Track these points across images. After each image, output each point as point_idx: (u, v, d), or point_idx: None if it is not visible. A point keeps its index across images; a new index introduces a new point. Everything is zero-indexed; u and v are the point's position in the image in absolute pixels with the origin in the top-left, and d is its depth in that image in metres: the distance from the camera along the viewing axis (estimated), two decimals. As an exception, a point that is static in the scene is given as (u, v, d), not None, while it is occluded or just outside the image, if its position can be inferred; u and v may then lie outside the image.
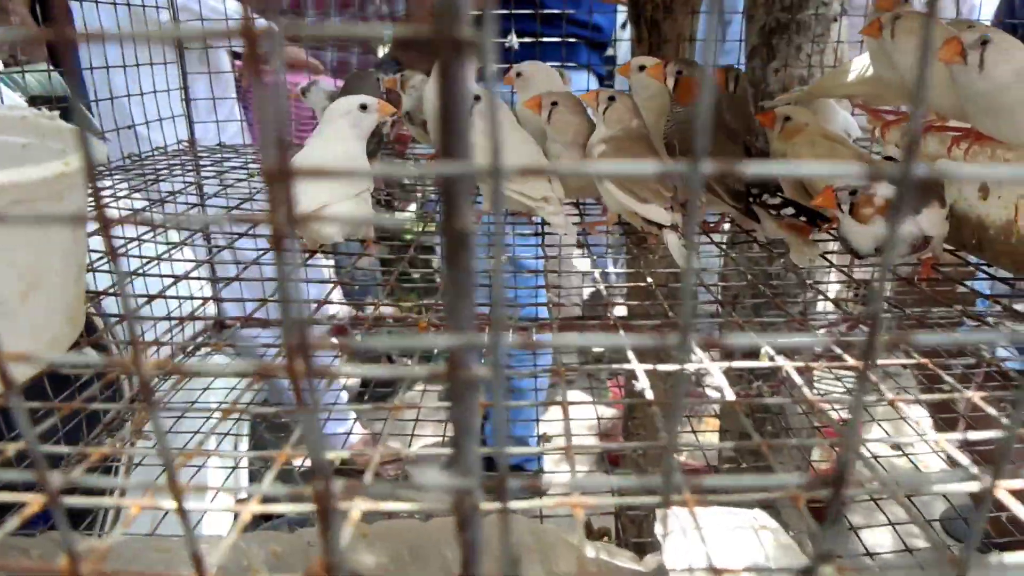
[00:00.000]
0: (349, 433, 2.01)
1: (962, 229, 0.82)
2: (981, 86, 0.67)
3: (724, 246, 0.92)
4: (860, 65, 0.94)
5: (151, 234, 0.88)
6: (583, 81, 1.66)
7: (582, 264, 2.17)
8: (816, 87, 1.02)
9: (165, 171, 1.18)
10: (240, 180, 1.12)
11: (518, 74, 1.10)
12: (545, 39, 1.41)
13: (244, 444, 1.49)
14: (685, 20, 1.29)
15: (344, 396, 2.11)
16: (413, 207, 1.72)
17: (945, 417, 1.26)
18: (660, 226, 0.75)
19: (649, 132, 0.88)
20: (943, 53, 0.67)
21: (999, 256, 0.77)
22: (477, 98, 0.91)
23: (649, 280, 0.74)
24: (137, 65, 1.23)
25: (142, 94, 1.24)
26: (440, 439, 1.48)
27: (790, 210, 0.78)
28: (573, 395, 1.88)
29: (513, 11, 1.41)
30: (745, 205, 0.78)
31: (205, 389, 1.16)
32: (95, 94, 1.22)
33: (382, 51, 2.06)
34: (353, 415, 2.07)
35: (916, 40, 0.76)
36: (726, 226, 0.97)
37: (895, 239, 0.19)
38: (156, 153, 1.30)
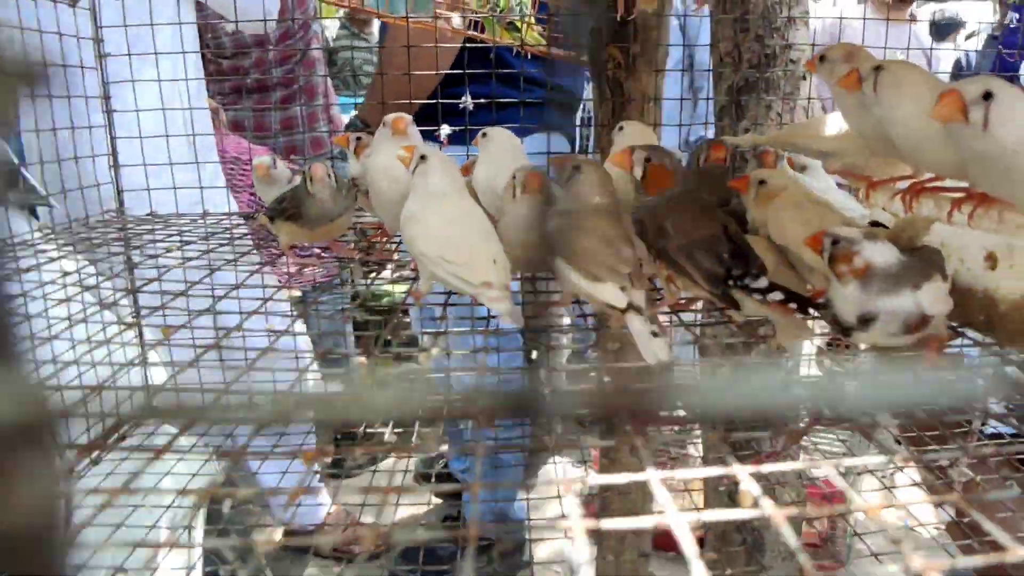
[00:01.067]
0: (320, 505, 1.88)
1: (966, 304, 0.71)
2: (986, 147, 0.58)
3: (696, 329, 0.82)
4: (834, 122, 0.86)
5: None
6: (542, 143, 1.59)
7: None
8: (780, 136, 0.93)
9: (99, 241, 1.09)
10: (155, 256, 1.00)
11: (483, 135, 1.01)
12: (504, 100, 1.33)
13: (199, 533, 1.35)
14: (649, 79, 1.22)
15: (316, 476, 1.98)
16: (388, 271, 1.62)
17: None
18: (623, 310, 0.64)
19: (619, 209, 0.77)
20: (940, 110, 0.58)
21: (1014, 336, 0.67)
22: (423, 158, 0.82)
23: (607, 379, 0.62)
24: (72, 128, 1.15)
25: (76, 158, 1.16)
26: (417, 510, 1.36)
27: (778, 295, 0.67)
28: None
29: (467, 71, 1.34)
30: (722, 290, 0.67)
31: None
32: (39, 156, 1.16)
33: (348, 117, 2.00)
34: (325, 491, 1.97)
35: (902, 93, 0.67)
36: (699, 303, 0.87)
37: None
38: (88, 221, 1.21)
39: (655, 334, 0.65)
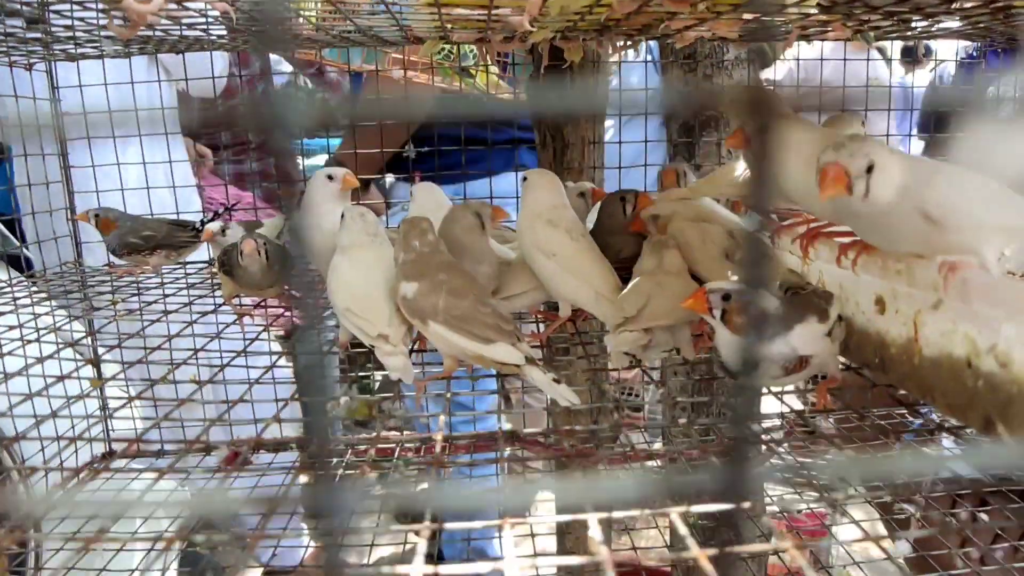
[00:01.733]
0: (300, 546, 1.87)
1: (863, 346, 0.73)
2: (864, 210, 0.60)
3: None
4: (742, 167, 0.88)
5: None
6: (511, 183, 1.62)
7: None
8: (700, 185, 0.96)
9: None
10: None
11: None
12: (473, 147, 1.36)
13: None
14: (587, 124, 1.25)
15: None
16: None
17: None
18: (518, 365, 0.66)
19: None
20: (827, 187, 0.59)
21: (903, 379, 0.68)
22: (342, 215, 0.84)
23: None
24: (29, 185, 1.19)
25: (33, 212, 1.19)
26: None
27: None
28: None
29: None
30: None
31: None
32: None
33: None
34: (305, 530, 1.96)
35: (787, 150, 0.70)
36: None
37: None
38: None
39: (556, 381, 0.67)
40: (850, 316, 0.74)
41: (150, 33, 0.83)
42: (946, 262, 0.58)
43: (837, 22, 0.92)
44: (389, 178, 1.37)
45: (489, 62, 1.58)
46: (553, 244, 0.79)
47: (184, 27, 0.83)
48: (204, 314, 1.09)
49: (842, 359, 0.77)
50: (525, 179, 0.87)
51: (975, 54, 2.13)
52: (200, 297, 1.17)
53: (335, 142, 2.04)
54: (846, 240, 0.71)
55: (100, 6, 0.71)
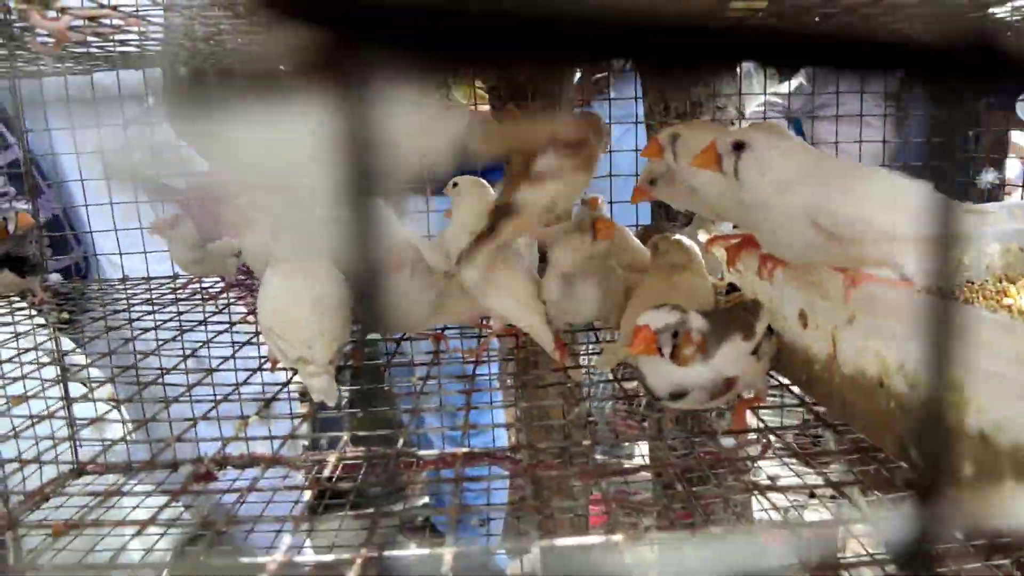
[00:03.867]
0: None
1: (793, 362, 0.69)
2: (744, 198, 0.57)
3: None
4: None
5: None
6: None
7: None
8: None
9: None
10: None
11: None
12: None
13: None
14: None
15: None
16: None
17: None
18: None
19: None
20: (697, 159, 0.58)
21: (825, 398, 0.65)
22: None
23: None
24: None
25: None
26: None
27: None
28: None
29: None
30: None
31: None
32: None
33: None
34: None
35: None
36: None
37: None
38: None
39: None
40: (780, 330, 0.71)
41: (83, 50, 0.84)
42: (849, 274, 0.55)
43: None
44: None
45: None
46: (475, 256, 0.77)
47: (117, 43, 0.83)
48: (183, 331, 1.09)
49: (776, 376, 0.74)
50: (455, 185, 0.85)
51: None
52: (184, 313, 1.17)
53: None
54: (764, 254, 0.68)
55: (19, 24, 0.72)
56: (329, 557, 0.55)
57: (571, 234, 0.77)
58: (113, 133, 1.31)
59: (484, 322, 0.96)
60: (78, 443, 1.26)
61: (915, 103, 1.41)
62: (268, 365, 0.88)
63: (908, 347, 0.53)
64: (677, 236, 0.80)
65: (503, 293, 0.77)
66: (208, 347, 1.07)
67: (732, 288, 0.82)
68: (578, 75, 2.76)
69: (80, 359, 1.23)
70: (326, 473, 0.92)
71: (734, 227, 0.80)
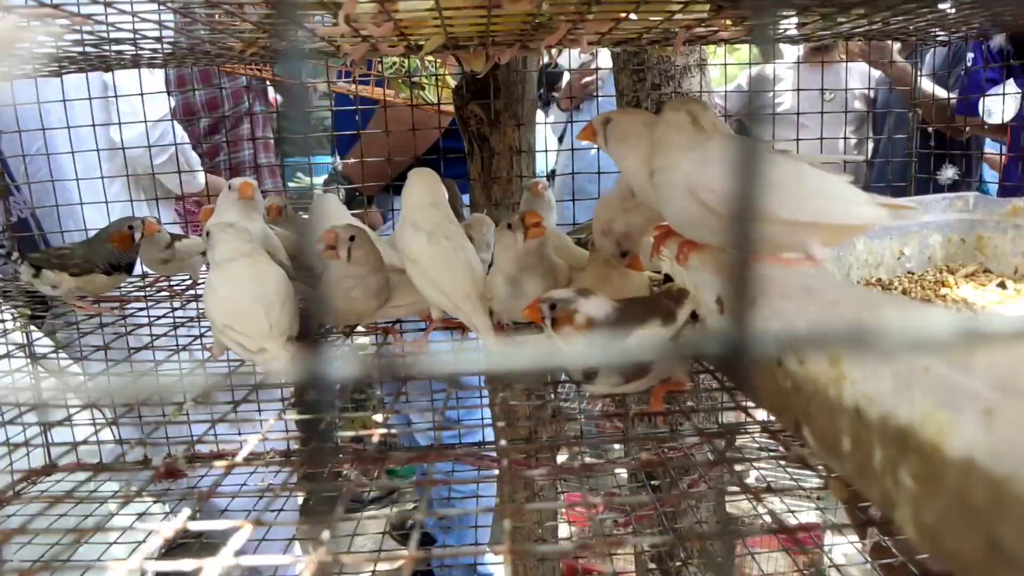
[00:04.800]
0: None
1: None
2: (621, 166, 0.63)
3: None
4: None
5: None
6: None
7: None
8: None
9: None
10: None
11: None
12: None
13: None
14: (513, 133, 1.26)
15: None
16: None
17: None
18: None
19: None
20: (580, 133, 0.63)
21: (760, 396, 0.66)
22: (207, 233, 0.86)
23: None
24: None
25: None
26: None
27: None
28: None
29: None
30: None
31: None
32: None
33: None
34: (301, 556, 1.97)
35: (627, 144, 0.69)
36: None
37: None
38: None
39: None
40: (703, 317, 0.73)
41: (42, 50, 0.87)
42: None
43: (724, 23, 0.91)
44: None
45: (447, 72, 1.59)
46: (414, 248, 0.79)
47: (72, 43, 0.86)
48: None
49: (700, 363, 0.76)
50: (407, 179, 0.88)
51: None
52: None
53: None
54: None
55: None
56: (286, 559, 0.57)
57: (504, 233, 0.79)
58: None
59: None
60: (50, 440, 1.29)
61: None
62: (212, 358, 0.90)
63: (795, 325, 0.54)
64: None
65: (438, 288, 0.79)
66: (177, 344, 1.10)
67: (668, 279, 0.84)
68: (567, 77, 2.79)
69: (51, 356, 1.26)
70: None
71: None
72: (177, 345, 1.05)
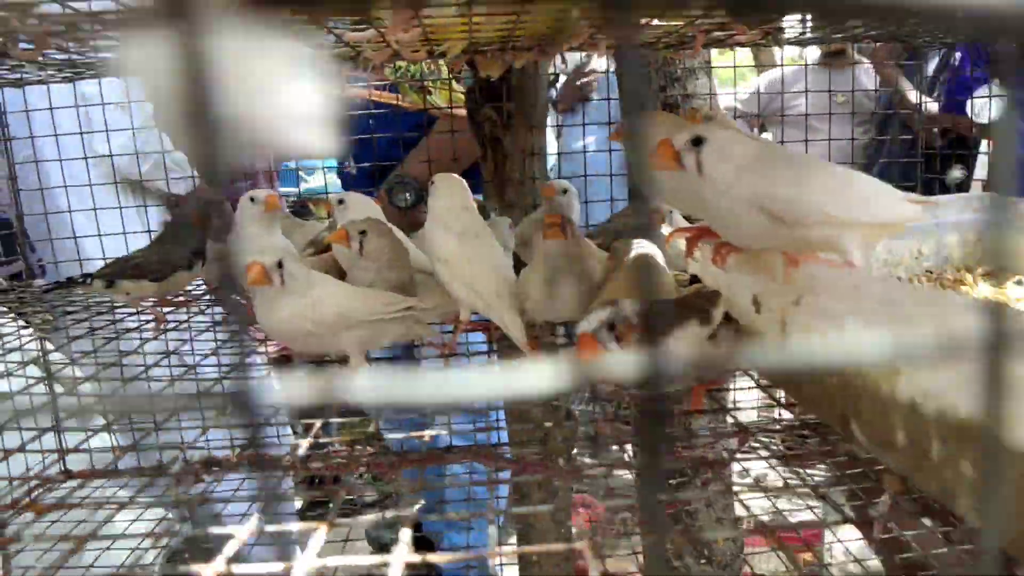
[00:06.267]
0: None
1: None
2: (704, 190, 0.60)
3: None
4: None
5: None
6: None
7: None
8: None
9: None
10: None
11: (340, 201, 1.07)
12: None
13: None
14: (526, 135, 1.26)
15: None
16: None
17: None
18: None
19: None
20: (656, 162, 0.60)
21: (779, 379, 0.67)
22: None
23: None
24: None
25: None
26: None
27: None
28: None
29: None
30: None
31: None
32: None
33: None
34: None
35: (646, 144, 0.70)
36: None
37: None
38: None
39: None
40: (737, 316, 0.74)
41: (64, 56, 0.87)
42: (788, 255, 0.58)
43: (742, 26, 0.92)
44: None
45: (453, 76, 1.60)
46: (444, 249, 0.80)
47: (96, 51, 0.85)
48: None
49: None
50: (432, 183, 0.88)
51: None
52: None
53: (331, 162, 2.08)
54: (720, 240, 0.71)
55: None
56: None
57: (537, 233, 0.80)
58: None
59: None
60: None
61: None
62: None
63: (846, 323, 0.55)
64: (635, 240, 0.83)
65: (469, 288, 0.79)
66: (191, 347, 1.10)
67: (694, 280, 0.85)
68: (563, 79, 2.80)
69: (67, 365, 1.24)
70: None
71: (686, 217, 0.83)
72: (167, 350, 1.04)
